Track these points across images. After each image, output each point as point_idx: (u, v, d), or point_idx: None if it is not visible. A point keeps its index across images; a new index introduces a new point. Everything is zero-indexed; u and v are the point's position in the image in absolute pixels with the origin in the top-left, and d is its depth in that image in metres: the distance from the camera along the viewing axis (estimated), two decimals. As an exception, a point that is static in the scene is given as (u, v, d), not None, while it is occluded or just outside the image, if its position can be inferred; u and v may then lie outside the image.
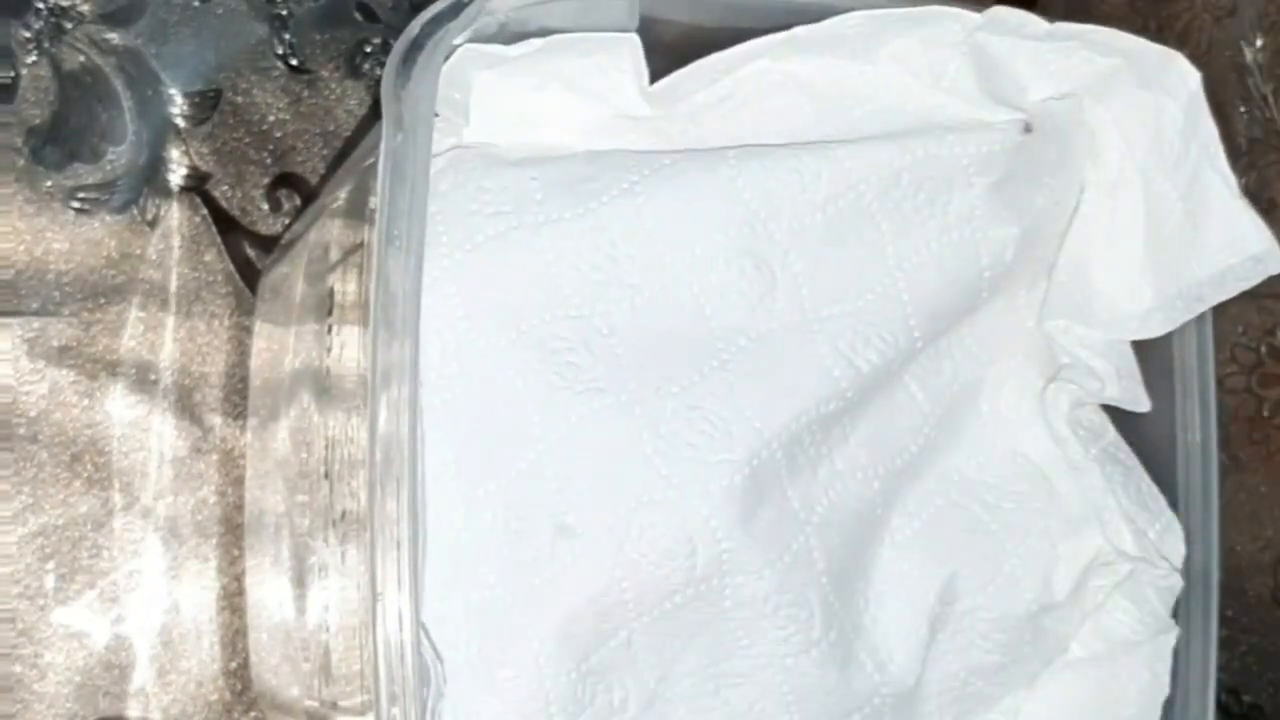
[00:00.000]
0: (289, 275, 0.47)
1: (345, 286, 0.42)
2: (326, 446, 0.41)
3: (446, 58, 0.37)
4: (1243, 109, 0.59)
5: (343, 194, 0.43)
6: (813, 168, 0.41)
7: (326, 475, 0.41)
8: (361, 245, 0.40)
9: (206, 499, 0.50)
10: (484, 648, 0.39)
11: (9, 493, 0.48)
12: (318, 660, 0.42)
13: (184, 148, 0.50)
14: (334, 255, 0.43)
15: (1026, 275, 0.45)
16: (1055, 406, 0.45)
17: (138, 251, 0.50)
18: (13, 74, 0.49)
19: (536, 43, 0.39)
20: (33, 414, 0.49)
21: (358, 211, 0.41)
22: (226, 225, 0.50)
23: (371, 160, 0.37)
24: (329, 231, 0.44)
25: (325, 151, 0.51)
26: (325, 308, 0.42)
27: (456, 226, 0.39)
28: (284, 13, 0.51)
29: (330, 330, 0.42)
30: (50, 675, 0.48)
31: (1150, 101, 0.42)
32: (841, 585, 0.43)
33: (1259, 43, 0.58)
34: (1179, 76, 0.42)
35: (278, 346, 0.47)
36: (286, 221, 0.51)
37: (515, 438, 0.39)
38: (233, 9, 0.50)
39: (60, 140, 0.49)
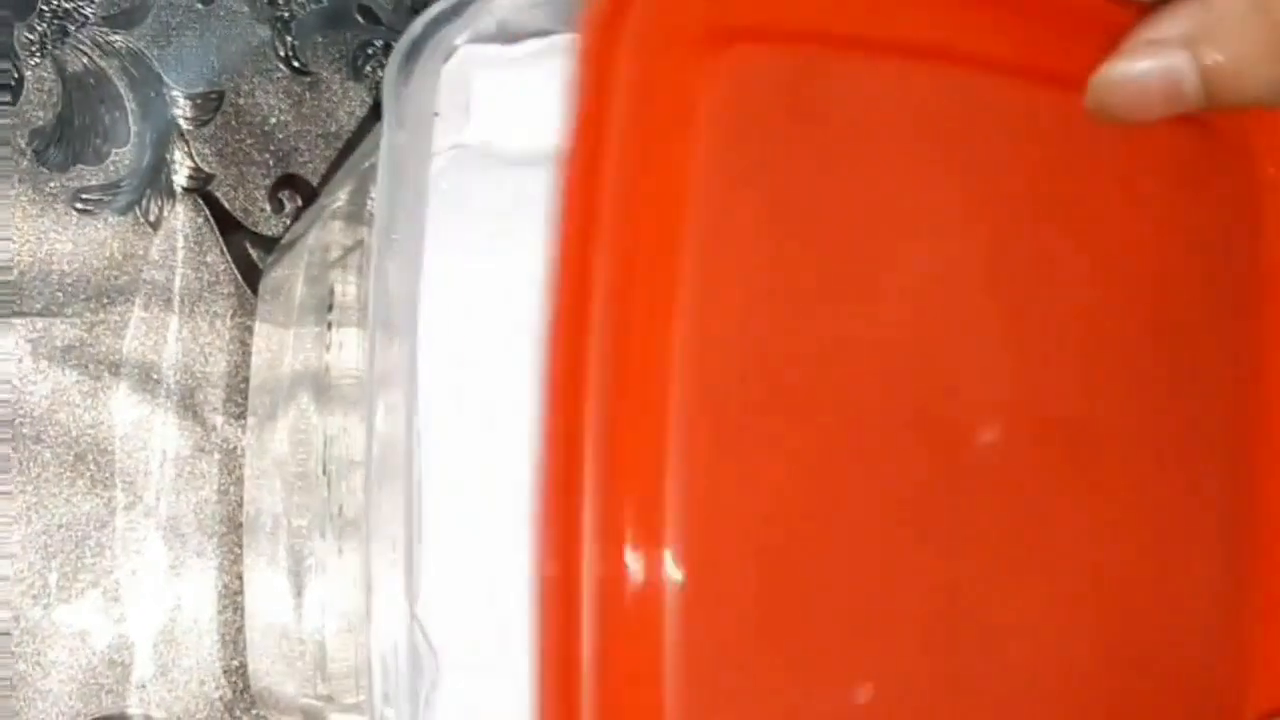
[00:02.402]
0: (290, 276, 0.47)
1: (345, 287, 0.42)
2: (325, 446, 0.41)
3: (447, 58, 0.37)
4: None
5: (343, 195, 0.43)
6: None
7: (325, 474, 0.41)
8: (361, 245, 0.40)
9: (209, 498, 0.50)
10: (481, 646, 0.39)
11: (13, 492, 0.48)
12: (314, 658, 0.42)
13: (187, 149, 0.50)
14: (334, 256, 0.43)
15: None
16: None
17: (141, 252, 0.50)
18: (16, 76, 0.49)
19: (537, 43, 0.39)
20: (37, 414, 0.49)
21: (358, 212, 0.41)
22: (229, 226, 0.51)
23: (372, 161, 0.37)
24: (330, 232, 0.44)
25: (327, 153, 0.52)
26: (325, 308, 0.42)
27: (456, 226, 0.39)
28: (286, 15, 0.51)
29: (330, 330, 0.42)
30: (53, 672, 0.48)
31: None
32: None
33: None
34: None
35: (278, 346, 0.48)
36: (288, 222, 0.51)
37: (514, 437, 0.39)
38: (235, 11, 0.51)
39: (64, 142, 0.49)
